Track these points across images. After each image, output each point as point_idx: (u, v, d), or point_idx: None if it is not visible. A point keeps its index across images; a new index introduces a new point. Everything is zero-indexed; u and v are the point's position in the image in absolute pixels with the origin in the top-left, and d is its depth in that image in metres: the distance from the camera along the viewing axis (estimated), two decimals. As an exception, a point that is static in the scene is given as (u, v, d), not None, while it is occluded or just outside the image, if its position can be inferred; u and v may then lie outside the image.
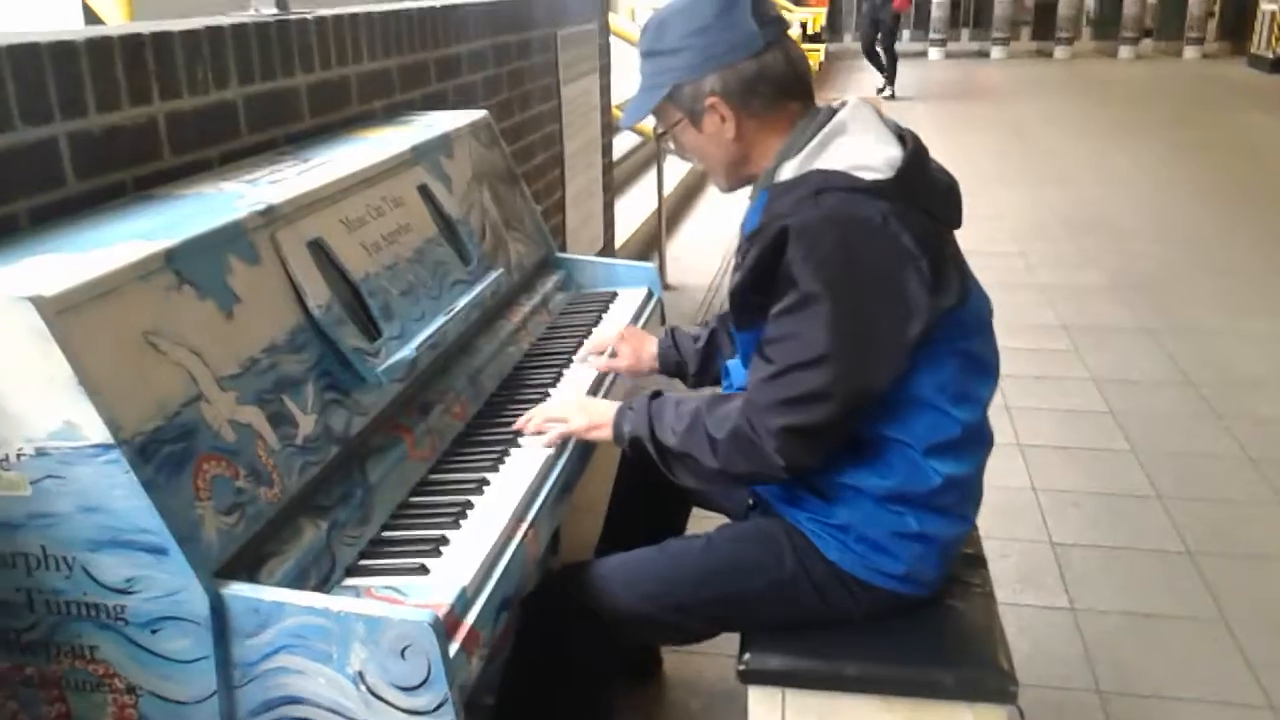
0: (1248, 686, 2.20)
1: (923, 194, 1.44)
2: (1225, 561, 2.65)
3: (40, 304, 1.04)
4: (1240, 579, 2.58)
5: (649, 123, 1.66)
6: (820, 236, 1.37)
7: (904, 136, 1.49)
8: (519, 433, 1.63)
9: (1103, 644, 2.34)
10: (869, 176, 1.39)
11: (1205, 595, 2.52)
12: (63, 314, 1.06)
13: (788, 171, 1.45)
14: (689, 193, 6.74)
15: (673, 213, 6.02)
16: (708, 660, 2.19)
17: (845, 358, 1.38)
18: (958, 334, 1.46)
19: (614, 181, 4.44)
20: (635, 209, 5.55)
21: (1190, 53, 15.28)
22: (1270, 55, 12.94)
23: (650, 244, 5.26)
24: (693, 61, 1.49)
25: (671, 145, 1.64)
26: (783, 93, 1.50)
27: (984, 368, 1.53)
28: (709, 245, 5.64)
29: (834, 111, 1.50)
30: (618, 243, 4.50)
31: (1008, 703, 1.46)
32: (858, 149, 1.43)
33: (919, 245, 1.38)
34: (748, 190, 1.59)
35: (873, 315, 1.39)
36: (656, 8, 1.60)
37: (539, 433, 1.63)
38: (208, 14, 1.83)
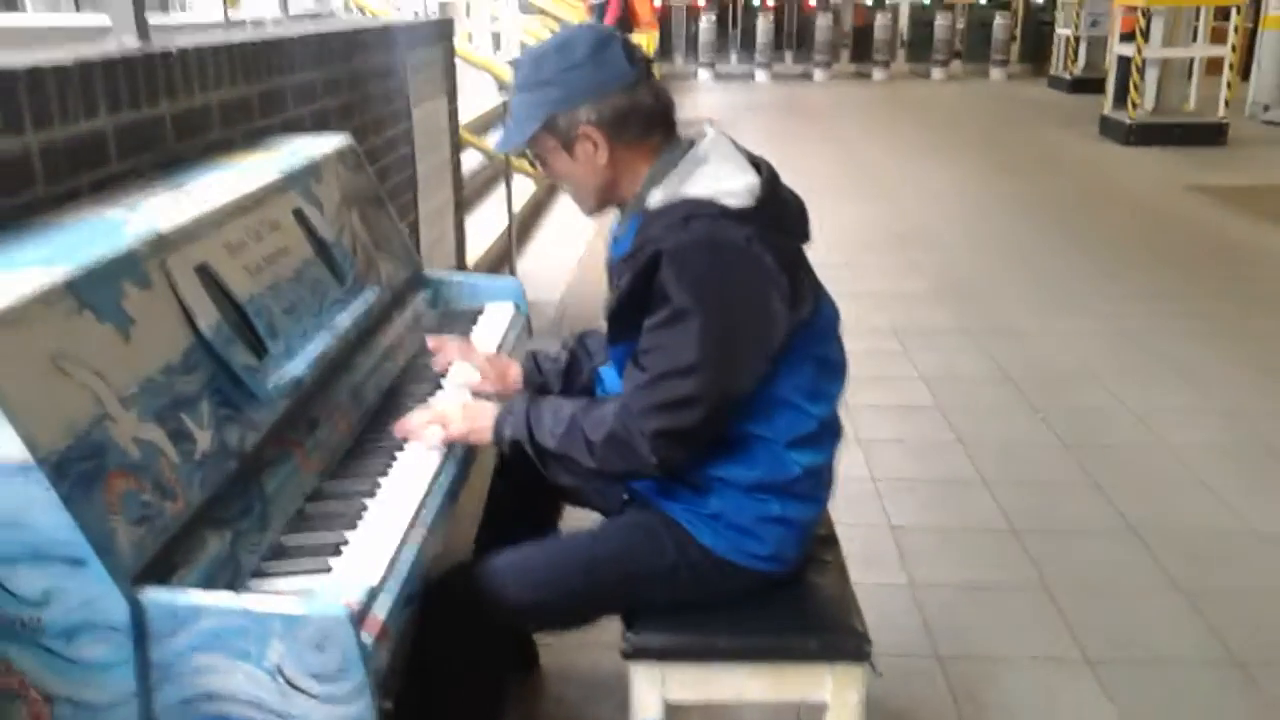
0: (1067, 644, 2.46)
1: (780, 216, 1.60)
2: (1044, 536, 2.93)
3: (-46, 330, 1.08)
4: (1057, 551, 2.85)
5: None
6: (692, 258, 1.52)
7: (758, 164, 1.64)
8: (403, 439, 1.71)
9: (939, 614, 2.56)
10: (734, 203, 1.54)
11: (1028, 566, 2.78)
12: (-24, 339, 1.10)
13: (656, 198, 1.58)
14: (536, 209, 6.85)
15: (520, 229, 6.11)
16: (583, 652, 2.30)
17: (713, 367, 1.53)
18: (812, 340, 1.63)
19: (465, 200, 4.51)
20: (483, 227, 5.62)
21: (996, 74, 16.27)
22: (1068, 76, 13.95)
23: (501, 260, 5.34)
24: (568, 94, 1.60)
25: (542, 170, 1.75)
26: (650, 125, 1.64)
27: (835, 368, 1.71)
28: (558, 261, 5.75)
29: (693, 142, 1.64)
30: (470, 260, 4.57)
31: (863, 660, 1.63)
32: (720, 177, 1.57)
33: (779, 264, 1.55)
34: (602, 210, 1.72)
35: (738, 328, 1.54)
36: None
37: (419, 438, 1.70)
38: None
